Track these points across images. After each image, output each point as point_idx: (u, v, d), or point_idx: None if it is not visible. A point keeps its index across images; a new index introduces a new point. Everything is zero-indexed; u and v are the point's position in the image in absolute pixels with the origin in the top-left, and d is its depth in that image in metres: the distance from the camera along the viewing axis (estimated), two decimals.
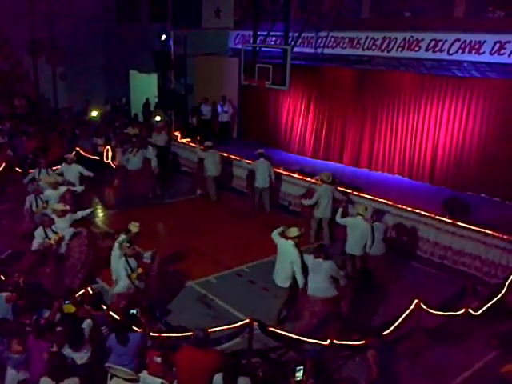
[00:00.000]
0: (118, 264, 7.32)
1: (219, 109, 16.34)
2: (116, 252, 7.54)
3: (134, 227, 7.73)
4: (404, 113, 13.01)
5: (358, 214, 8.77)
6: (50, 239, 8.14)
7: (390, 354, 5.63)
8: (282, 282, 7.49)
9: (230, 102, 16.33)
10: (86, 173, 11.33)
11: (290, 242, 7.44)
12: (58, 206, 9.09)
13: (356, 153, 14.17)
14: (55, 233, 8.26)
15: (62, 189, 10.12)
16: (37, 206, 9.59)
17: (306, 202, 10.75)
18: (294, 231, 7.51)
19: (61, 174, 11.12)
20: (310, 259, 7.29)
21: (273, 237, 7.69)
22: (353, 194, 11.32)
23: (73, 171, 11.25)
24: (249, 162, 13.12)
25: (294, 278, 7.33)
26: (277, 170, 12.64)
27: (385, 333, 6.80)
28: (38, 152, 13.83)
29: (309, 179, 11.96)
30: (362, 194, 11.21)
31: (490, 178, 11.58)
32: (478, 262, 9.54)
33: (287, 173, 12.77)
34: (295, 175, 12.59)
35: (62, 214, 8.78)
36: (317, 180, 11.08)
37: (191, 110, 17.22)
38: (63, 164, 11.40)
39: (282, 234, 7.62)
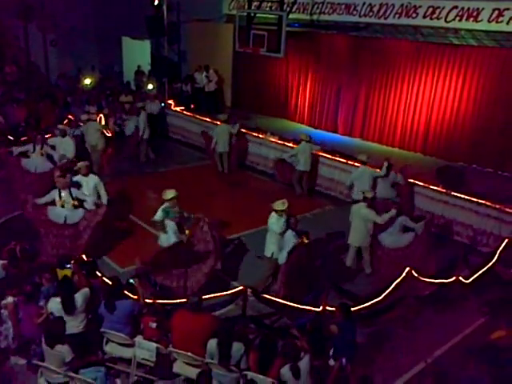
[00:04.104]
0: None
1: (201, 79, 16.13)
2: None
3: (169, 194, 7.72)
4: (398, 81, 12.93)
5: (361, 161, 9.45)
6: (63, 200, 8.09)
7: (352, 331, 5.79)
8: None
9: (214, 71, 16.16)
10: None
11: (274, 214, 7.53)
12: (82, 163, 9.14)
13: (350, 122, 14.13)
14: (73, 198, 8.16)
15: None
16: None
17: (213, 145, 12.69)
18: (279, 205, 7.52)
19: (53, 147, 10.70)
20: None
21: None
22: (347, 162, 11.35)
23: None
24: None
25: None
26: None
27: (373, 301, 6.95)
28: (30, 120, 13.68)
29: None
30: (354, 163, 11.18)
31: (483, 148, 11.59)
32: (470, 231, 9.64)
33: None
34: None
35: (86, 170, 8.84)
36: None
37: (185, 77, 17.00)
38: (78, 176, 8.83)
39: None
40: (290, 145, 12.37)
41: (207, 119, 14.68)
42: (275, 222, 7.46)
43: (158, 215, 7.60)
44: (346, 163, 11.34)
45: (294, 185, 11.68)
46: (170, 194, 7.71)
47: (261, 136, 13.09)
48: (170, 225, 7.53)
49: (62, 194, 8.10)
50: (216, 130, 12.78)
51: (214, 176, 12.86)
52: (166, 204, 7.62)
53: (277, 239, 7.49)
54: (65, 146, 10.63)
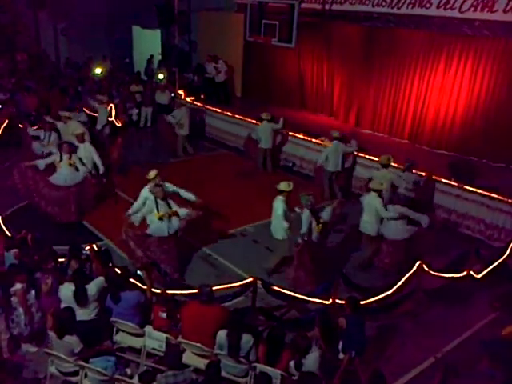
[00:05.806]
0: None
1: (211, 69, 16.02)
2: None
3: (286, 187, 7.68)
4: (410, 73, 12.68)
5: (383, 165, 9.44)
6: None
7: (360, 325, 5.80)
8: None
9: (223, 61, 16.01)
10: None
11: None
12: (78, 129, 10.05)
13: (360, 114, 14.00)
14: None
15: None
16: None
17: (171, 119, 13.02)
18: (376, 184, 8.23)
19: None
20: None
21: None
22: (358, 155, 11.31)
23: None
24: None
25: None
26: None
27: (383, 295, 6.92)
28: (40, 109, 13.69)
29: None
30: (366, 156, 11.20)
31: (494, 142, 11.37)
32: (482, 225, 9.55)
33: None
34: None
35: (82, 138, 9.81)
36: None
37: (195, 67, 16.92)
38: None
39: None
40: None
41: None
42: (380, 203, 7.93)
43: (279, 208, 7.48)
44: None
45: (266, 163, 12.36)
46: (284, 185, 7.64)
47: (319, 142, 12.06)
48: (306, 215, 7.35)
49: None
50: (179, 114, 12.97)
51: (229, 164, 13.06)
52: (280, 197, 7.58)
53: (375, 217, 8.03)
54: (86, 154, 9.79)
